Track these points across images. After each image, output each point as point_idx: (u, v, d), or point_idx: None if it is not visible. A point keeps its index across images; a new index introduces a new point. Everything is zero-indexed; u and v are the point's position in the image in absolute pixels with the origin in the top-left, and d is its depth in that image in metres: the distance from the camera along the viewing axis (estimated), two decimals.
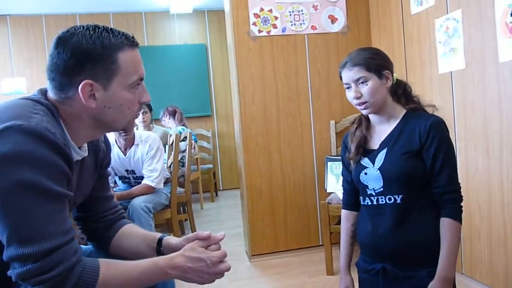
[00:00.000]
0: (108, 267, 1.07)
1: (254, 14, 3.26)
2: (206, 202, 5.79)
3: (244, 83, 3.28)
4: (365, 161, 1.61)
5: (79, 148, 1.19)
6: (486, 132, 2.36)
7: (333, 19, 3.43)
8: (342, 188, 1.81)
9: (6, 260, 0.97)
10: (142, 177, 3.23)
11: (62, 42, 1.08)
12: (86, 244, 1.47)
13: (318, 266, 3.04)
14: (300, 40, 3.38)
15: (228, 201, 5.86)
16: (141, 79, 1.17)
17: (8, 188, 0.94)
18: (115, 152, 3.18)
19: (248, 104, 3.30)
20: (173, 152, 3.58)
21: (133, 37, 1.16)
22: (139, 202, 3.04)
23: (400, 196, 1.52)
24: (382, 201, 1.56)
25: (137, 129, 4.07)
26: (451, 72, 2.59)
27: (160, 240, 1.33)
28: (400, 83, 1.65)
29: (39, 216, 0.96)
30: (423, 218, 1.52)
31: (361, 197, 1.65)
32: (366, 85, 1.53)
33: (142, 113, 4.20)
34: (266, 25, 3.29)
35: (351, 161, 1.66)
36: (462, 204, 1.52)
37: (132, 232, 1.41)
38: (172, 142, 3.73)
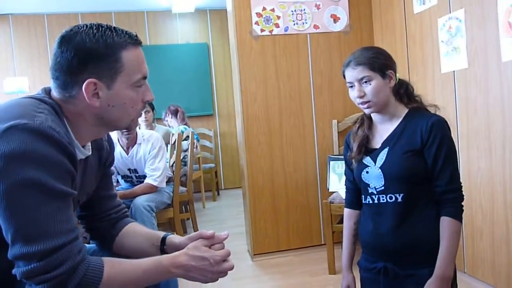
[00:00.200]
0: (112, 265, 1.07)
1: (256, 13, 3.26)
2: (208, 201, 5.79)
3: (247, 82, 3.28)
4: (367, 160, 1.61)
5: (83, 147, 1.19)
6: (489, 131, 2.35)
7: (335, 19, 3.42)
8: (344, 187, 1.81)
9: (10, 258, 0.97)
10: (144, 176, 3.24)
11: (66, 41, 1.08)
12: (89, 243, 1.47)
13: (320, 265, 3.04)
14: (302, 39, 3.37)
15: (230, 200, 5.86)
16: (145, 77, 1.17)
17: (13, 187, 0.94)
18: (118, 151, 3.18)
19: (250, 103, 3.30)
20: (175, 151, 3.58)
21: (136, 36, 1.16)
22: (141, 201, 3.05)
23: (401, 194, 1.53)
24: (383, 199, 1.56)
25: (139, 128, 4.07)
26: (454, 71, 2.58)
27: (163, 239, 1.34)
28: (403, 82, 1.65)
29: (43, 214, 0.96)
30: (424, 217, 1.53)
31: (363, 196, 1.66)
32: (370, 84, 1.53)
33: (145, 112, 4.19)
34: (268, 24, 3.29)
35: (353, 160, 1.66)
36: (463, 203, 1.52)
37: (136, 230, 1.41)
38: (175, 141, 3.74)
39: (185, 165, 4.17)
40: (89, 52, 1.07)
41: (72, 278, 0.98)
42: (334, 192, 3.06)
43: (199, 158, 5.59)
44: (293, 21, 3.33)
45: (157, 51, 6.34)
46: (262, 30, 3.28)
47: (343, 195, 1.82)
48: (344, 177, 1.81)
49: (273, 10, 3.29)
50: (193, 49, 6.62)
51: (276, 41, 3.32)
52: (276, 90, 3.34)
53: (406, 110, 1.61)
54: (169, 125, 5.30)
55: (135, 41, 1.15)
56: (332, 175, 3.24)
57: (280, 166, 3.35)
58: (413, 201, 1.52)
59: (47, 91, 1.15)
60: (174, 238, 1.33)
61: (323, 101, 3.42)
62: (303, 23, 3.36)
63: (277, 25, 3.31)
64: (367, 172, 1.60)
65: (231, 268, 1.18)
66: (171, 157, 3.86)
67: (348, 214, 1.76)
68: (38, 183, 0.95)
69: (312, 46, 3.40)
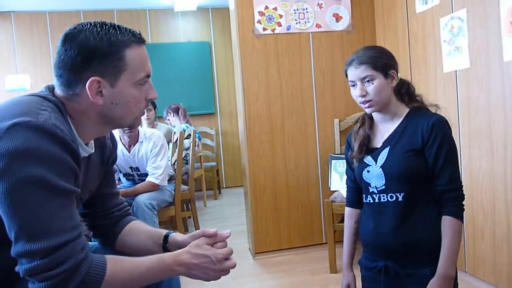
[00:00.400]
0: (115, 263, 1.07)
1: (259, 12, 3.26)
2: (209, 200, 5.79)
3: (249, 81, 3.29)
4: (368, 159, 1.62)
5: (86, 145, 1.19)
6: (490, 131, 2.35)
7: (337, 18, 3.42)
8: (346, 186, 1.81)
9: (14, 256, 0.97)
10: (146, 174, 3.24)
11: (69, 39, 1.09)
12: (91, 241, 1.48)
13: (321, 264, 3.04)
14: (304, 38, 3.37)
15: (231, 199, 5.86)
16: (148, 76, 1.18)
17: (17, 184, 0.94)
18: (120, 149, 3.19)
19: (252, 102, 3.30)
20: (177, 150, 3.59)
21: (140, 34, 1.16)
22: (143, 199, 3.05)
23: (402, 194, 1.53)
24: (384, 199, 1.57)
25: (141, 126, 4.07)
26: (456, 71, 2.58)
27: (166, 237, 1.34)
28: (404, 82, 1.66)
29: (47, 212, 0.96)
30: (425, 216, 1.53)
31: (364, 195, 1.66)
32: (372, 83, 1.54)
33: (146, 110, 4.18)
34: (270, 23, 3.29)
35: (354, 159, 1.67)
36: (464, 202, 1.52)
37: (138, 228, 1.41)
38: (176, 140, 3.74)
39: (187, 163, 4.18)
40: (93, 50, 1.07)
41: (75, 276, 0.99)
42: (336, 191, 3.06)
43: (200, 156, 5.60)
44: (296, 20, 3.33)
45: (159, 49, 6.34)
46: (264, 29, 3.28)
47: (345, 194, 1.83)
48: (345, 176, 1.82)
49: (275, 9, 3.29)
50: (195, 48, 6.62)
51: (278, 40, 3.32)
52: (278, 89, 3.34)
53: (407, 110, 1.62)
54: (171, 124, 5.29)
55: (138, 40, 1.15)
56: (334, 174, 3.24)
57: (282, 165, 3.35)
58: (413, 200, 1.53)
59: (51, 89, 1.15)
60: (177, 236, 1.33)
61: (325, 100, 3.42)
62: (306, 22, 3.35)
63: (279, 24, 3.31)
64: (368, 171, 1.60)
65: (233, 266, 1.18)
66: (172, 155, 3.87)
67: (349, 213, 1.77)
68: (42, 181, 0.95)
69: (314, 45, 3.40)
